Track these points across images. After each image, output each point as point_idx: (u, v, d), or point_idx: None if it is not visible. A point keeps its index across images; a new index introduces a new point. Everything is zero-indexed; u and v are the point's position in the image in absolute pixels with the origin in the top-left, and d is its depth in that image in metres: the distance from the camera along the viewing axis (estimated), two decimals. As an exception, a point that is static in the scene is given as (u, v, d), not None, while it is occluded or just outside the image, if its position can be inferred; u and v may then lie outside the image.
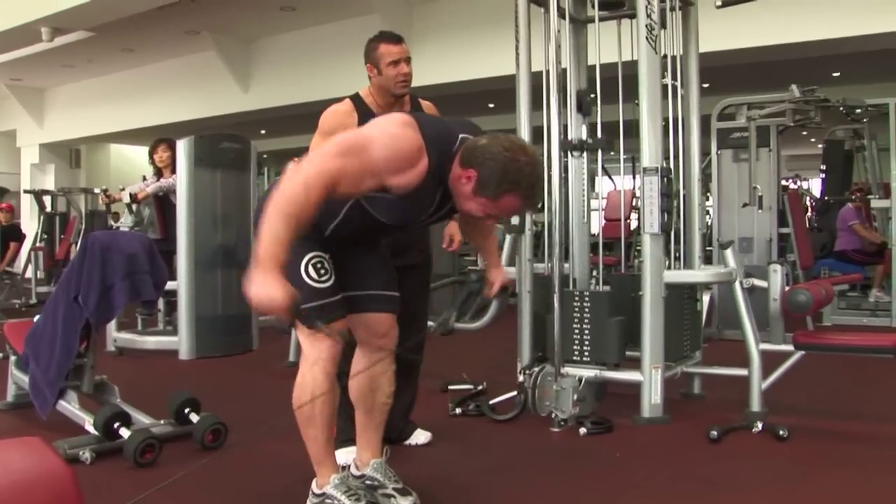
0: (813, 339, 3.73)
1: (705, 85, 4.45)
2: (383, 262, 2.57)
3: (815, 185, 12.64)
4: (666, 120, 3.92)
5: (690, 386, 4.16)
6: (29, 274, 10.28)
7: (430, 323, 3.40)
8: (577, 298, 3.83)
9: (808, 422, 3.56)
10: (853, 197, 8.13)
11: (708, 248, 5.77)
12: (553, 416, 3.57)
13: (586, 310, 3.79)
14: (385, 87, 3.12)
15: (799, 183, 11.88)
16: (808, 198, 10.86)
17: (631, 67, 3.77)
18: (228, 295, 5.81)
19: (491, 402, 3.84)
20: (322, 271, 2.33)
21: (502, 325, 4.32)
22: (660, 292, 3.65)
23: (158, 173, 6.23)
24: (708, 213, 6.97)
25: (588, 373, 3.71)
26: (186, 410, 3.35)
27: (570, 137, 3.92)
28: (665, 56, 3.90)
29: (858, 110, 7.40)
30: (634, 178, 6.73)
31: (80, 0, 7.99)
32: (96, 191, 10.18)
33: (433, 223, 2.54)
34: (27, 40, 9.36)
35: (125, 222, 6.27)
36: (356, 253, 2.47)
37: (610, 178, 9.70)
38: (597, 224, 4.77)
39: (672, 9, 4.00)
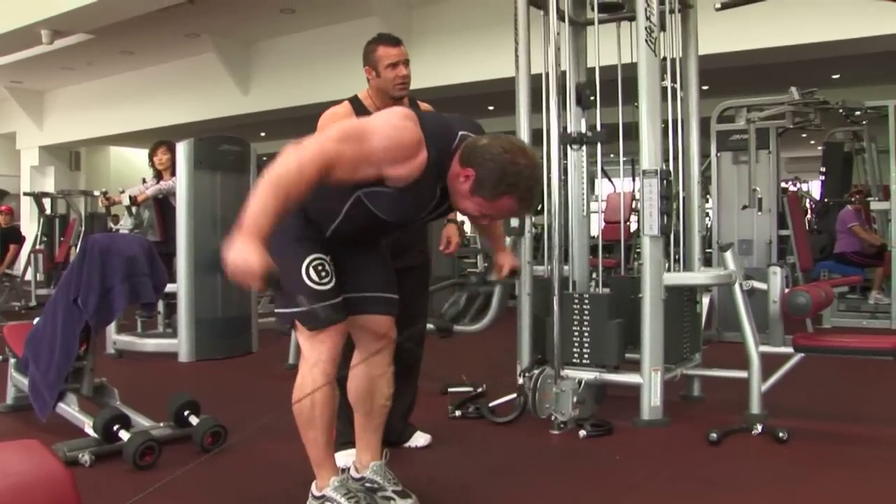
0: (812, 342, 3.73)
1: (704, 87, 4.46)
2: (383, 264, 2.57)
3: (814, 188, 12.65)
4: (665, 122, 3.92)
5: (690, 388, 4.16)
6: (28, 276, 10.28)
7: (429, 325, 3.40)
8: (576, 301, 3.83)
9: (807, 424, 3.56)
10: (853, 199, 8.14)
11: (707, 251, 5.77)
12: (553, 418, 3.57)
13: (586, 312, 3.79)
14: (383, 89, 3.13)
15: (798, 185, 11.87)
16: (807, 200, 10.86)
17: (630, 70, 3.77)
18: (228, 297, 5.81)
19: (490, 404, 3.84)
20: (323, 273, 2.33)
21: (502, 328, 4.32)
22: (659, 294, 3.65)
23: (158, 176, 6.24)
24: (707, 215, 6.97)
25: (588, 375, 3.71)
26: (186, 413, 3.35)
27: (569, 131, 3.90)
28: (664, 58, 3.90)
29: (858, 112, 7.40)
30: (634, 180, 6.72)
31: (81, 2, 8.00)
32: (96, 193, 10.17)
33: (433, 219, 2.54)
34: (27, 43, 9.36)
35: (125, 225, 6.28)
36: (356, 254, 2.47)
37: (609, 180, 9.69)
38: (596, 226, 4.77)
39: (671, 11, 4.00)
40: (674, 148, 4.02)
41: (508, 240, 4.06)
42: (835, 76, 9.99)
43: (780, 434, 3.30)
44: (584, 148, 3.97)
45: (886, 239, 7.42)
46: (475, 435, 3.57)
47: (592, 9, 4.00)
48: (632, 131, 3.79)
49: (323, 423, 2.37)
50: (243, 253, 1.94)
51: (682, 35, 4.12)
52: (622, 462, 3.18)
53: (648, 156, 3.69)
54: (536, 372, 3.70)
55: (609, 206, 8.34)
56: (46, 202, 11.39)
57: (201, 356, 5.61)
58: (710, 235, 6.90)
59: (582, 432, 3.46)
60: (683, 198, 4.05)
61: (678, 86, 4.03)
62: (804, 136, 10.63)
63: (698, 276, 4.04)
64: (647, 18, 3.66)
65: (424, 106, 3.25)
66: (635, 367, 3.69)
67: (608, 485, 2.92)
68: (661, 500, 2.79)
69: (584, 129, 3.94)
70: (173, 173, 5.96)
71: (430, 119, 2.25)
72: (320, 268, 2.33)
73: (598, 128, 3.98)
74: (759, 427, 3.39)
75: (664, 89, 3.88)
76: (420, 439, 3.34)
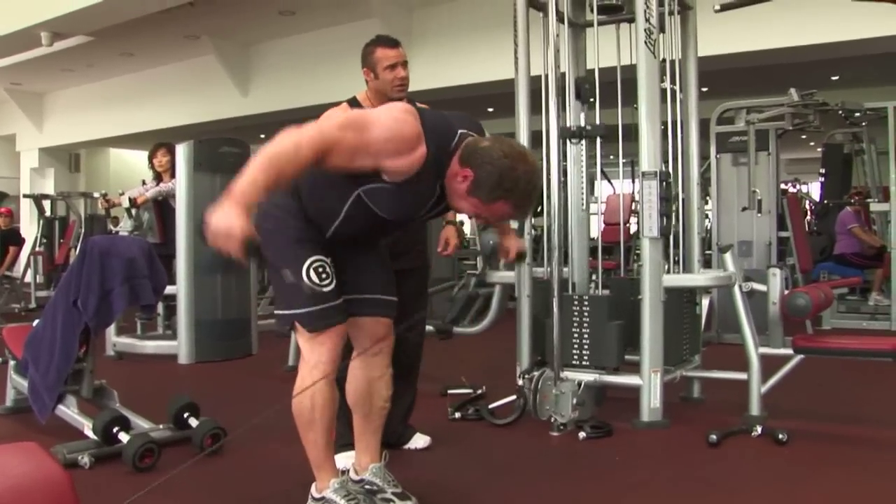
0: (812, 343, 3.73)
1: (704, 89, 4.46)
2: (383, 264, 2.57)
3: (814, 189, 12.65)
4: (665, 124, 3.92)
5: (690, 390, 4.16)
6: (28, 278, 10.28)
7: (428, 327, 3.41)
8: (576, 302, 3.83)
9: (807, 425, 3.56)
10: (852, 200, 8.14)
11: (707, 252, 5.77)
12: (552, 420, 3.57)
13: (585, 314, 3.79)
14: (382, 90, 3.13)
15: (798, 186, 11.88)
16: (807, 201, 10.86)
17: (630, 71, 3.77)
18: (228, 299, 5.81)
19: (490, 406, 3.84)
20: (324, 275, 2.34)
21: (501, 329, 4.32)
22: (659, 296, 3.65)
23: (158, 178, 6.24)
24: (707, 216, 6.97)
25: (587, 377, 3.71)
26: (185, 415, 3.35)
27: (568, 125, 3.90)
28: (664, 60, 3.90)
29: (857, 114, 7.41)
30: (633, 182, 6.73)
31: (80, 4, 7.99)
32: (96, 195, 10.16)
33: (431, 218, 2.54)
34: (27, 45, 9.35)
35: (124, 227, 6.27)
36: (356, 254, 2.47)
37: (609, 181, 9.70)
38: (596, 228, 4.77)
39: (671, 13, 4.00)
40: (673, 149, 4.02)
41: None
42: (834, 78, 9.99)
43: (780, 435, 3.30)
44: (583, 143, 3.97)
45: (886, 240, 7.43)
46: (475, 437, 3.57)
47: (592, 10, 4.01)
48: (631, 133, 3.79)
49: (323, 425, 2.37)
50: (227, 217, 1.95)
51: (682, 37, 4.12)
52: (622, 463, 3.18)
53: (648, 157, 3.69)
54: (536, 374, 3.71)
55: (609, 208, 8.35)
56: (46, 204, 11.39)
57: (201, 358, 5.61)
58: (709, 237, 6.91)
59: (582, 434, 3.46)
60: (683, 199, 4.05)
61: (677, 87, 4.02)
62: (804, 137, 10.63)
63: (698, 277, 4.04)
64: (647, 20, 3.66)
65: (423, 108, 3.25)
66: (635, 368, 3.69)
67: (608, 486, 2.92)
68: (660, 501, 2.79)
69: (582, 122, 3.94)
70: (173, 175, 5.96)
71: (431, 116, 2.26)
72: (321, 269, 2.33)
73: (598, 118, 3.97)
74: (759, 428, 3.39)
75: (663, 91, 3.88)
76: (420, 441, 3.34)
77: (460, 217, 3.70)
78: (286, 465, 2.97)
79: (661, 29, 3.84)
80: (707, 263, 5.06)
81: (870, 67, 9.25)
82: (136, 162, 14.60)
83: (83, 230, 10.01)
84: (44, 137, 14.62)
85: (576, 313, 3.81)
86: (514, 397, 3.79)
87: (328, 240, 2.37)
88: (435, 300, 5.73)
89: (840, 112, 7.20)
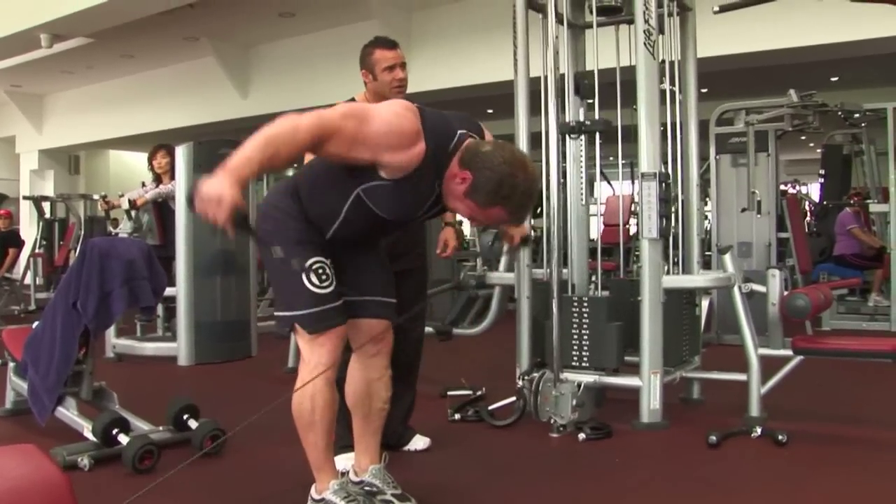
0: (812, 344, 3.73)
1: (703, 90, 4.46)
2: (382, 266, 2.57)
3: (813, 190, 12.65)
4: (664, 125, 3.93)
5: (689, 391, 4.15)
6: (28, 280, 10.29)
7: (428, 329, 3.40)
8: (575, 304, 3.83)
9: (807, 426, 3.56)
10: (852, 201, 8.14)
11: (707, 253, 5.77)
12: (552, 421, 3.57)
13: (585, 315, 3.79)
14: (380, 92, 3.13)
15: (798, 187, 11.88)
16: (806, 202, 10.87)
17: (629, 73, 3.78)
18: (227, 301, 5.82)
19: (490, 407, 3.84)
20: (324, 277, 2.34)
21: (501, 331, 4.32)
22: (658, 297, 3.65)
23: (157, 179, 6.24)
24: (707, 217, 6.98)
25: (587, 378, 3.71)
26: (185, 416, 3.35)
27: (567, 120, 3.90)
28: (663, 61, 3.90)
29: (857, 115, 7.41)
30: (633, 183, 6.73)
31: (80, 6, 7.99)
32: (95, 197, 10.18)
33: (429, 218, 2.55)
34: (26, 47, 9.36)
35: (124, 228, 6.28)
36: (356, 254, 2.48)
37: (609, 183, 9.70)
38: (595, 229, 4.77)
39: (670, 14, 4.00)
40: (672, 151, 4.02)
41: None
42: (833, 79, 9.99)
43: (780, 436, 3.30)
44: (582, 140, 3.97)
45: (885, 241, 7.43)
46: (475, 438, 3.57)
47: (591, 12, 4.01)
48: (631, 134, 3.79)
49: (323, 427, 2.37)
50: (218, 186, 1.94)
51: (681, 38, 4.12)
52: (622, 465, 3.18)
53: (647, 158, 3.69)
54: (536, 375, 3.70)
55: (608, 209, 8.35)
56: (46, 206, 11.40)
57: (200, 360, 5.61)
58: (709, 238, 6.90)
59: (581, 435, 3.46)
60: (682, 200, 4.05)
61: (677, 89, 4.03)
62: (803, 138, 10.65)
63: (697, 278, 4.04)
64: (646, 21, 3.67)
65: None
66: (634, 369, 3.69)
67: (608, 487, 2.92)
68: (660, 502, 2.79)
69: (581, 117, 3.94)
70: (172, 177, 5.97)
71: (431, 115, 2.27)
72: (321, 271, 2.34)
73: (597, 112, 3.97)
74: (759, 429, 3.39)
75: (663, 92, 3.88)
76: (419, 443, 3.33)
77: (459, 218, 3.71)
78: (286, 467, 2.97)
79: (661, 30, 3.84)
80: (706, 265, 5.06)
81: (869, 68, 9.25)
82: (135, 164, 14.61)
83: (83, 232, 10.02)
84: (43, 139, 14.62)
85: (575, 314, 3.81)
86: (513, 399, 3.79)
87: (328, 241, 2.38)
88: (435, 301, 5.73)
89: (839, 113, 7.21)
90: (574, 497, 2.83)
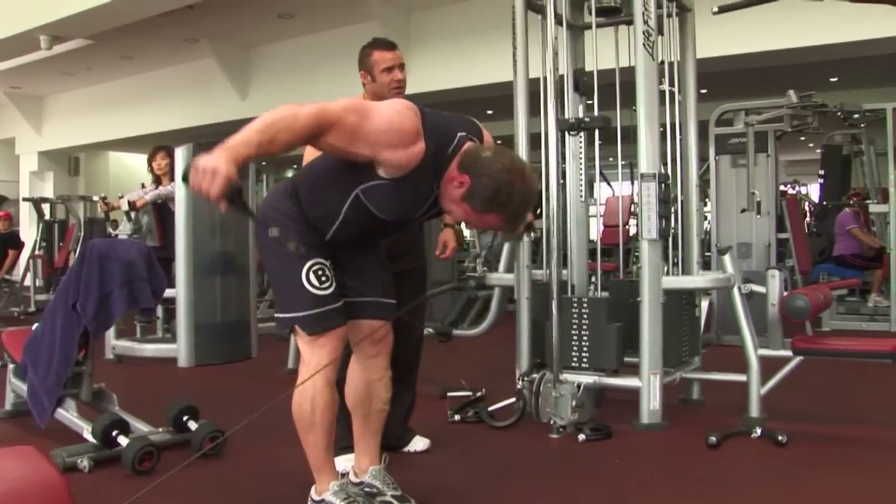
0: (812, 344, 3.73)
1: (703, 91, 4.46)
2: (382, 267, 2.57)
3: (813, 191, 12.66)
4: (664, 126, 3.93)
5: (689, 391, 4.15)
6: (27, 282, 10.28)
7: (428, 330, 3.40)
8: (575, 305, 3.83)
9: (807, 426, 3.56)
10: (851, 202, 8.14)
11: (706, 254, 5.77)
12: (552, 422, 3.57)
13: (585, 316, 3.79)
14: (379, 93, 3.13)
15: (797, 188, 11.89)
16: (806, 203, 10.87)
17: (628, 73, 3.78)
18: (227, 302, 5.82)
19: (490, 408, 3.84)
20: (323, 278, 2.34)
21: (501, 332, 4.32)
22: (658, 298, 3.65)
23: (157, 181, 6.24)
24: (706, 218, 6.98)
25: (587, 379, 3.71)
26: (185, 418, 3.35)
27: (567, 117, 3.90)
28: (662, 62, 3.90)
29: (856, 115, 7.41)
30: (632, 184, 6.73)
31: (79, 8, 8.00)
32: (95, 198, 10.19)
33: (428, 219, 2.55)
34: (26, 48, 9.37)
35: (124, 230, 6.27)
36: (355, 256, 2.48)
37: (608, 183, 9.70)
38: (595, 230, 4.77)
39: (669, 15, 4.00)
40: (672, 151, 4.02)
41: (507, 244, 4.07)
42: (833, 79, 10.00)
43: (780, 437, 3.29)
44: (582, 137, 3.97)
45: (885, 241, 7.43)
46: (474, 439, 3.57)
47: (590, 13, 4.01)
48: (630, 135, 3.79)
49: (323, 428, 2.37)
50: (214, 161, 1.96)
51: (680, 39, 4.12)
52: (621, 465, 3.18)
53: (647, 159, 3.69)
54: (536, 376, 3.70)
55: (608, 210, 8.35)
56: (45, 207, 11.40)
57: (200, 361, 5.61)
58: (708, 239, 6.90)
59: (581, 436, 3.46)
60: (682, 201, 4.06)
61: (676, 89, 4.03)
62: (802, 139, 10.66)
63: (697, 279, 4.04)
64: (645, 22, 3.67)
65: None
66: (634, 370, 3.69)
67: (608, 488, 2.92)
68: (660, 500, 2.79)
69: (580, 114, 3.94)
70: (172, 178, 5.97)
71: (432, 115, 2.27)
72: (320, 272, 2.34)
73: (596, 109, 3.97)
74: (759, 430, 3.39)
75: (662, 93, 3.88)
76: (419, 444, 3.33)
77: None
78: (285, 468, 2.97)
79: (660, 31, 3.85)
80: (706, 265, 5.06)
81: (868, 69, 9.26)
82: (135, 165, 14.61)
83: (82, 233, 10.02)
84: (43, 141, 14.63)
85: (575, 315, 3.80)
86: (513, 400, 3.78)
87: (328, 242, 2.38)
88: (435, 302, 5.73)
89: (839, 113, 7.21)
90: (574, 497, 2.83)
